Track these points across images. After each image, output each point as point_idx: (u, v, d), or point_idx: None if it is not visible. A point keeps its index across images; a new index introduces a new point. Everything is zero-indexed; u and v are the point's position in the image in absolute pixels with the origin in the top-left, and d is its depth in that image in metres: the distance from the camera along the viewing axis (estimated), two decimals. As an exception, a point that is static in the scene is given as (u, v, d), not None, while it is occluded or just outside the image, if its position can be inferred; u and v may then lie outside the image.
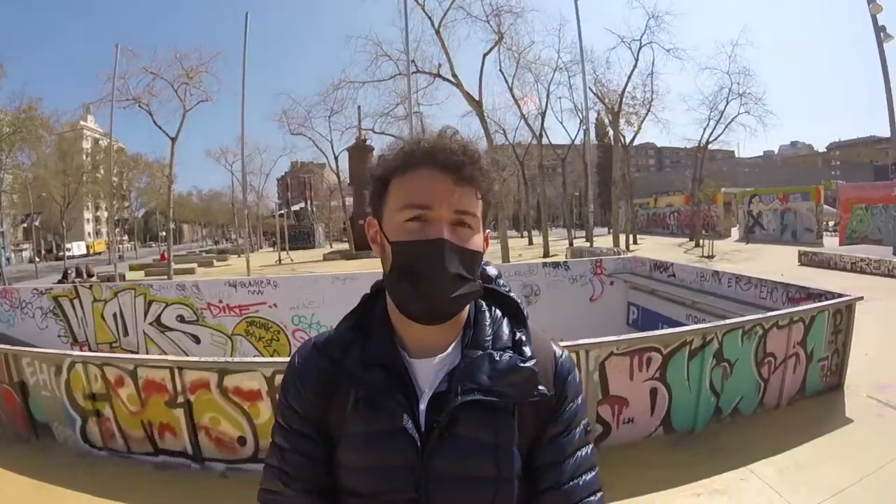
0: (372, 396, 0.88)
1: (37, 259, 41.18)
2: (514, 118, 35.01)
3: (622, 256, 11.69)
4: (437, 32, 22.09)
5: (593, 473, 0.96)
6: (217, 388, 4.05)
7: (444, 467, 0.86)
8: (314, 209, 48.22)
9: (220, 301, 8.41)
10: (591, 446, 0.99)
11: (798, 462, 4.05)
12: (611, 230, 28.97)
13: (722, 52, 32.66)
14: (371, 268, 16.04)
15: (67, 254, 42.32)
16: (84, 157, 42.27)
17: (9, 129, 25.29)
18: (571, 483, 0.93)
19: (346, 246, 35.22)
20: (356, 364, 0.90)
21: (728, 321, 5.07)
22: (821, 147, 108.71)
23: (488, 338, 0.94)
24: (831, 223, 31.16)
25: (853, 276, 13.88)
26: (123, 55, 22.63)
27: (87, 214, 72.30)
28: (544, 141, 34.44)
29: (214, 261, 31.87)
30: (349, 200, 36.77)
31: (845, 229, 23.94)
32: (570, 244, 28.84)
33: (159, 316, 8.57)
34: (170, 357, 4.27)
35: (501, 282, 1.03)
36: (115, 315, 8.71)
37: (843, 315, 5.59)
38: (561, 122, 73.57)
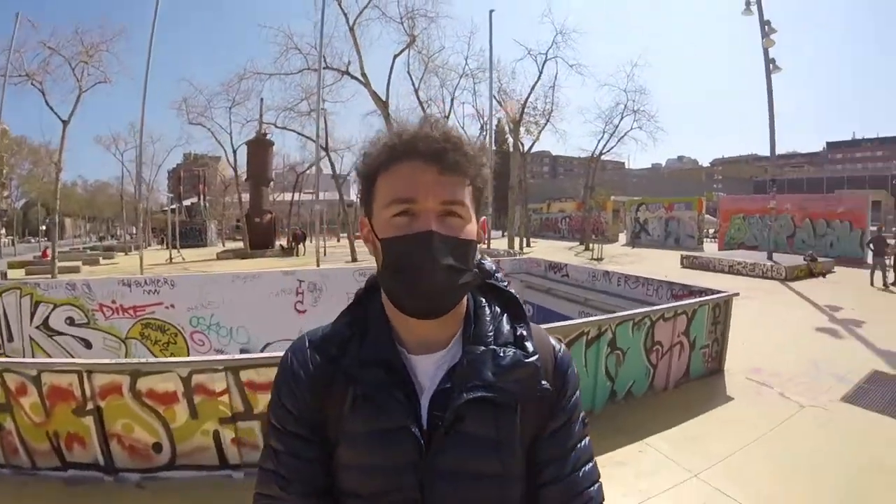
0: (371, 394, 0.86)
1: None
2: (416, 120, 35.27)
3: (519, 257, 12.10)
4: (351, 30, 22.00)
5: (592, 464, 0.97)
6: (130, 391, 3.83)
7: (450, 465, 0.85)
8: (207, 205, 45.70)
9: (114, 301, 7.79)
10: (588, 437, 1.00)
11: (688, 435, 4.66)
12: (505, 233, 29.88)
13: (621, 71, 35.42)
14: (269, 267, 15.71)
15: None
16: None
17: None
18: (573, 475, 0.94)
19: (240, 245, 33.71)
20: (354, 361, 0.88)
21: (620, 314, 5.58)
22: (705, 162, 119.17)
23: (490, 333, 0.93)
24: (711, 231, 34.24)
25: (731, 277, 15.61)
26: (23, 26, 20.43)
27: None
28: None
29: (101, 259, 29.20)
30: (245, 197, 35.16)
31: (724, 236, 26.61)
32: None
33: (47, 318, 7.80)
34: (77, 360, 3.94)
35: (499, 276, 1.03)
36: (-3, 318, 7.80)
37: (722, 308, 6.44)
38: (462, 128, 74.86)
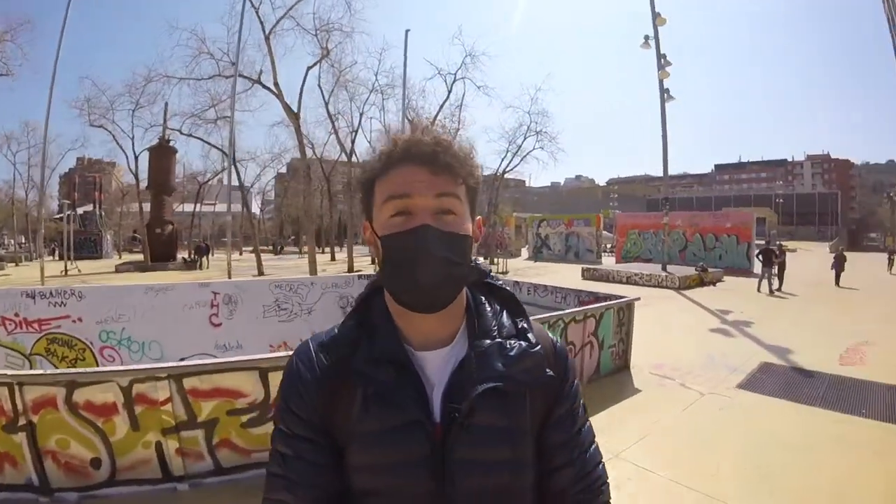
0: (384, 392, 0.89)
1: None
2: (324, 133, 35.07)
3: None
4: (267, 39, 21.40)
5: (595, 445, 1.05)
6: (65, 404, 3.59)
7: (466, 455, 0.88)
8: (103, 214, 42.36)
9: (17, 314, 7.09)
10: (589, 421, 1.06)
11: (605, 423, 5.15)
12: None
13: (526, 94, 36.93)
14: (176, 280, 14.83)
15: None
16: None
17: None
18: (581, 457, 1.01)
19: (137, 257, 31.67)
20: (365, 361, 0.91)
21: (535, 317, 5.93)
22: (602, 181, 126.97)
23: (494, 327, 0.97)
24: (609, 245, 36.50)
25: (629, 287, 16.88)
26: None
27: None
28: (354, 159, 34.94)
29: (-11, 270, 26.47)
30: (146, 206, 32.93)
31: (621, 250, 28.73)
32: (373, 261, 29.58)
33: (-59, 333, 6.95)
34: (7, 371, 3.64)
35: (493, 275, 1.09)
36: None
37: (626, 312, 7.21)
38: (369, 142, 74.88)
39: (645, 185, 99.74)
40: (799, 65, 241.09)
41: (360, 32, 35.81)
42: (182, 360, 7.84)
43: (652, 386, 6.46)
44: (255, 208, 33.09)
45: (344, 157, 32.94)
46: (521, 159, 32.67)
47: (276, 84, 21.90)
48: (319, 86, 26.54)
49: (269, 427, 3.97)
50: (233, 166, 22.83)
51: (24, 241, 45.37)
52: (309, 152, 32.66)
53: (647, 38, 15.98)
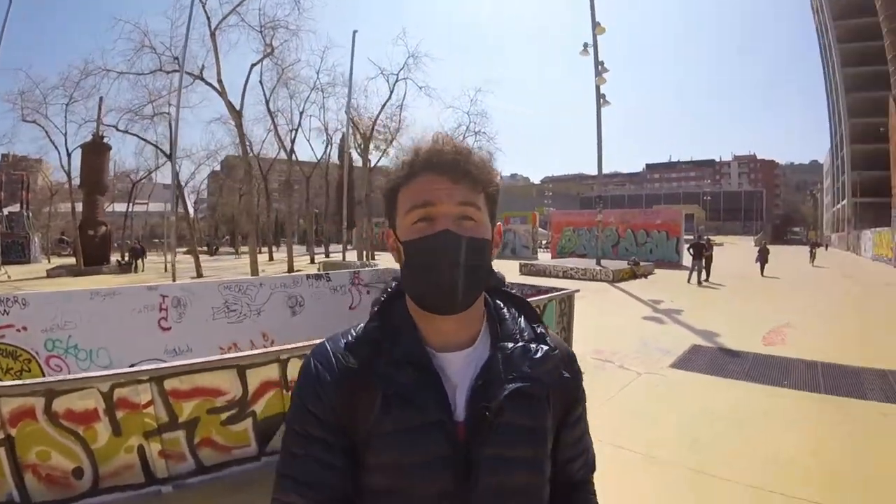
0: (404, 393, 0.90)
1: None
2: (262, 131, 34.48)
3: (377, 268, 12.45)
4: (213, 34, 20.80)
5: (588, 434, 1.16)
6: (44, 414, 3.49)
7: (492, 453, 0.91)
8: (30, 215, 39.55)
9: None
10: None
11: None
12: (349, 247, 30.23)
13: (465, 95, 37.47)
14: (112, 284, 14.31)
15: None
16: None
17: None
18: (586, 446, 1.13)
19: (68, 260, 29.99)
20: (388, 363, 0.92)
21: None
22: (536, 180, 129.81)
23: (515, 331, 1.01)
24: (544, 241, 37.53)
25: (566, 281, 17.65)
26: None
27: None
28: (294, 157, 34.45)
29: None
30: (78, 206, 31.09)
31: (556, 246, 29.86)
32: (312, 260, 29.93)
33: None
34: None
35: (508, 283, 1.14)
36: None
37: (566, 302, 7.63)
38: (308, 140, 74.03)
39: (579, 184, 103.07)
40: (728, 70, 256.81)
41: (307, 31, 35.47)
42: (132, 366, 7.71)
43: (593, 369, 6.98)
44: (190, 207, 31.97)
45: (282, 156, 32.54)
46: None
47: (219, 81, 21.35)
48: (261, 83, 26.19)
49: (247, 423, 4.15)
50: (174, 164, 22.07)
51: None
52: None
53: (586, 45, 16.68)
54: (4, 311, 7.23)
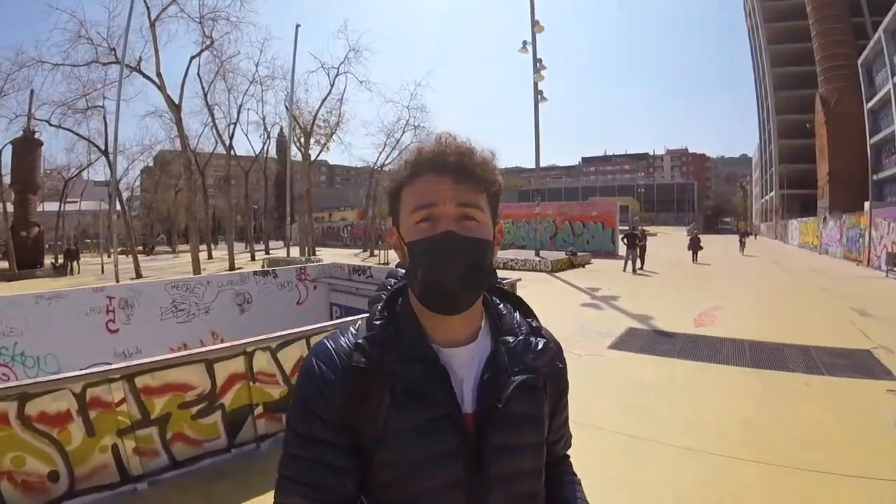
0: (415, 388, 0.91)
1: None
2: (198, 125, 33.58)
3: (323, 263, 12.49)
4: (152, 25, 20.13)
5: None
6: (17, 419, 3.46)
7: (501, 441, 0.94)
8: None
9: None
10: None
11: None
12: (288, 243, 29.90)
13: (406, 90, 37.49)
14: (44, 289, 13.67)
15: None
16: None
17: None
18: (567, 427, 1.22)
19: (1, 265, 28.34)
20: (396, 360, 0.93)
21: None
22: None
23: (514, 326, 1.05)
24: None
25: (506, 272, 18.26)
26: None
27: None
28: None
29: None
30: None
31: None
32: (252, 257, 29.83)
33: None
34: None
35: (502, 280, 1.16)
36: None
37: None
38: (246, 135, 72.21)
39: (517, 177, 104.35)
40: (664, 68, 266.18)
41: (248, 23, 34.73)
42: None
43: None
44: (125, 205, 30.84)
45: (219, 150, 31.82)
46: (400, 153, 32.95)
47: (158, 74, 20.68)
48: (199, 75, 25.64)
49: (217, 416, 4.34)
50: (115, 160, 21.15)
51: None
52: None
53: (525, 43, 17.15)
54: (-50, 318, 6.99)
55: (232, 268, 23.48)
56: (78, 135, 25.72)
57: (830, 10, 51.14)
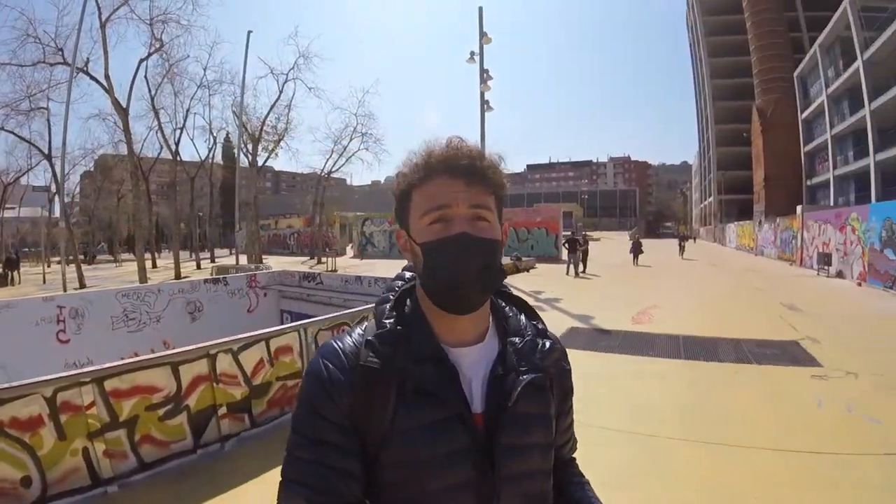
0: (426, 387, 0.91)
1: None
2: (143, 128, 32.79)
3: (273, 270, 12.52)
4: (103, 26, 19.62)
5: None
6: None
7: (511, 441, 0.93)
8: None
9: None
10: None
11: None
12: (233, 251, 29.52)
13: (354, 97, 37.24)
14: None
15: None
16: None
17: None
18: (573, 432, 1.23)
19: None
20: (407, 359, 0.93)
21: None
22: None
23: (520, 327, 1.05)
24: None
25: None
26: None
27: None
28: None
29: None
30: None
31: None
32: (198, 265, 29.37)
33: None
34: None
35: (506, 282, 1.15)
36: None
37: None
38: (192, 140, 70.43)
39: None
40: (608, 79, 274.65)
41: (199, 27, 34.07)
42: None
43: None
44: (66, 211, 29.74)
45: (164, 155, 31.14)
46: (347, 160, 33.34)
47: (107, 76, 20.16)
48: (146, 78, 24.90)
49: (182, 417, 4.57)
50: (62, 163, 20.41)
51: None
52: (124, 147, 30.34)
53: (472, 54, 17.61)
54: None
55: (178, 276, 22.86)
56: (20, 137, 24.78)
57: (770, 26, 54.23)
